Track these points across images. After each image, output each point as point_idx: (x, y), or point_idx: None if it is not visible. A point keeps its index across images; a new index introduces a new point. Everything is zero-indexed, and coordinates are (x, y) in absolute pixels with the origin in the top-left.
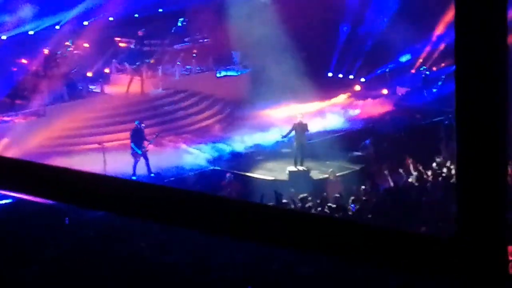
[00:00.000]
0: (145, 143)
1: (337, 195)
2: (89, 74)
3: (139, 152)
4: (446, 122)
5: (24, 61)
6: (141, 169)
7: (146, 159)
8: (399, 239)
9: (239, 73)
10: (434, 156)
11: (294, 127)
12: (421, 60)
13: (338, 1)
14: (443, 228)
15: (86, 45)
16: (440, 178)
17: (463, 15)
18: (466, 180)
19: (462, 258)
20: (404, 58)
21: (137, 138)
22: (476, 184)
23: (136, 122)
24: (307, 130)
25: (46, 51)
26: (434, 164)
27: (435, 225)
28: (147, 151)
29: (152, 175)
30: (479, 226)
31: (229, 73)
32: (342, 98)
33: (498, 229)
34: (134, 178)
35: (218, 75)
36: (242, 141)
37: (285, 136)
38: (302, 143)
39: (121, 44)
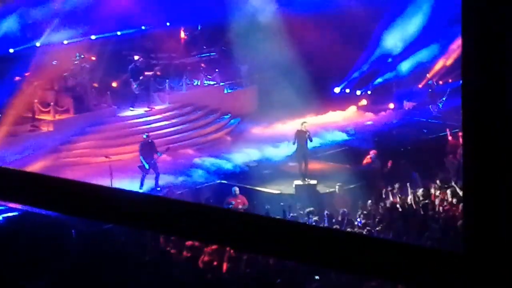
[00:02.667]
0: (155, 156)
1: (344, 209)
2: (96, 86)
3: (147, 166)
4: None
5: (31, 74)
6: (148, 182)
7: (155, 172)
8: (407, 253)
9: (246, 87)
10: (441, 170)
11: (297, 134)
12: (428, 75)
13: (345, 17)
14: (451, 243)
15: (94, 58)
16: (447, 193)
17: (470, 27)
18: (473, 195)
19: (470, 274)
20: (411, 72)
21: (146, 151)
22: (484, 199)
23: (145, 136)
24: (310, 139)
25: (53, 64)
26: (440, 179)
27: (442, 240)
28: (156, 164)
29: (158, 189)
30: (487, 242)
31: (236, 87)
32: (348, 112)
33: (507, 245)
34: (141, 191)
35: (225, 89)
36: (248, 155)
37: (294, 143)
38: (305, 152)
39: (129, 58)
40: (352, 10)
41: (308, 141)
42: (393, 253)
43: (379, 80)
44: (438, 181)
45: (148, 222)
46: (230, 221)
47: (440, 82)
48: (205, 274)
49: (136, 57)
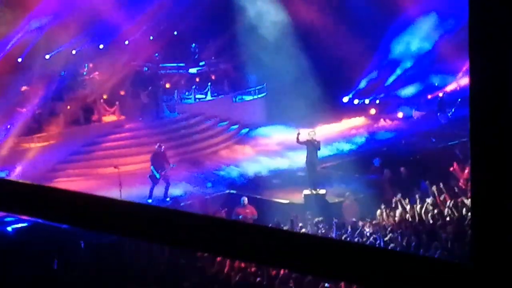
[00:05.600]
0: (166, 166)
1: (353, 219)
2: (105, 97)
3: (158, 176)
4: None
5: (39, 84)
6: (157, 192)
7: (166, 182)
8: (416, 264)
9: (255, 97)
10: (450, 180)
11: (306, 143)
12: (436, 84)
13: (354, 26)
14: (460, 253)
15: (102, 68)
16: (456, 202)
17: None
18: (481, 206)
19: (479, 287)
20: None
21: (158, 161)
22: (492, 210)
23: (157, 146)
24: (319, 148)
25: (61, 74)
26: (449, 188)
27: (451, 251)
28: (167, 174)
29: (168, 199)
30: (495, 255)
31: (245, 97)
32: (357, 121)
33: None
34: (150, 201)
35: (234, 99)
36: (257, 165)
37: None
38: (313, 162)
39: (137, 68)
40: (362, 18)
41: (317, 150)
42: (401, 264)
43: (388, 89)
44: (447, 191)
45: (156, 234)
46: (238, 233)
47: (449, 91)
48: (214, 285)
49: (145, 68)
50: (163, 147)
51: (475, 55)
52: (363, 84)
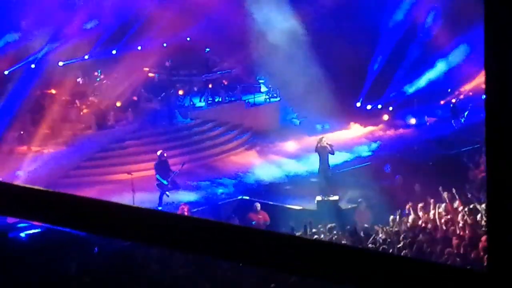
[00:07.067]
0: (171, 173)
1: (366, 225)
2: (118, 103)
3: (165, 182)
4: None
5: (53, 91)
6: (167, 199)
7: (175, 188)
8: (429, 271)
9: (267, 102)
10: (463, 186)
11: (317, 150)
12: (449, 90)
13: (368, 32)
14: (473, 260)
15: (115, 74)
16: (470, 208)
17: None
18: (497, 212)
19: None
20: (433, 88)
21: (161, 169)
22: (508, 216)
23: (158, 153)
24: (332, 152)
25: (75, 80)
26: (463, 195)
27: (464, 257)
28: (175, 180)
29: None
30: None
31: (257, 103)
32: (370, 127)
33: None
34: (160, 208)
35: (246, 105)
36: (270, 171)
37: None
38: (326, 168)
39: (150, 74)
40: (376, 23)
41: (330, 156)
42: (414, 271)
43: (401, 95)
44: (460, 197)
45: (168, 240)
46: (251, 239)
47: (462, 97)
48: None
49: (157, 74)
50: (165, 154)
51: (490, 60)
52: (375, 89)
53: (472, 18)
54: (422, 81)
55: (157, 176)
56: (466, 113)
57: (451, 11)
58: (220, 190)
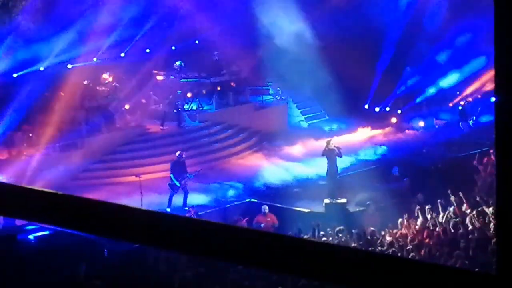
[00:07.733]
0: (186, 175)
1: (374, 228)
2: (127, 106)
3: (178, 184)
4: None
5: (62, 93)
6: (177, 201)
7: (184, 191)
8: (438, 274)
9: (276, 105)
10: (471, 189)
11: (325, 153)
12: (458, 92)
13: (377, 34)
14: (482, 263)
15: (123, 77)
16: (478, 211)
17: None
18: (506, 214)
19: None
20: (441, 91)
21: (178, 170)
22: None
23: (177, 154)
24: (340, 155)
25: (83, 83)
26: (471, 197)
27: (473, 260)
28: (187, 183)
29: (186, 208)
30: None
31: (266, 106)
32: (379, 130)
33: None
34: (168, 210)
35: (255, 107)
36: (278, 173)
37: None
38: (334, 170)
39: (158, 77)
40: (384, 25)
41: (338, 158)
42: (423, 274)
43: (409, 97)
44: (468, 200)
45: (176, 243)
46: (259, 242)
47: (470, 100)
48: None
49: (166, 76)
50: (184, 155)
51: (499, 62)
52: (383, 91)
53: (481, 21)
54: (430, 84)
55: (171, 175)
56: (474, 117)
57: (459, 13)
58: (228, 193)
